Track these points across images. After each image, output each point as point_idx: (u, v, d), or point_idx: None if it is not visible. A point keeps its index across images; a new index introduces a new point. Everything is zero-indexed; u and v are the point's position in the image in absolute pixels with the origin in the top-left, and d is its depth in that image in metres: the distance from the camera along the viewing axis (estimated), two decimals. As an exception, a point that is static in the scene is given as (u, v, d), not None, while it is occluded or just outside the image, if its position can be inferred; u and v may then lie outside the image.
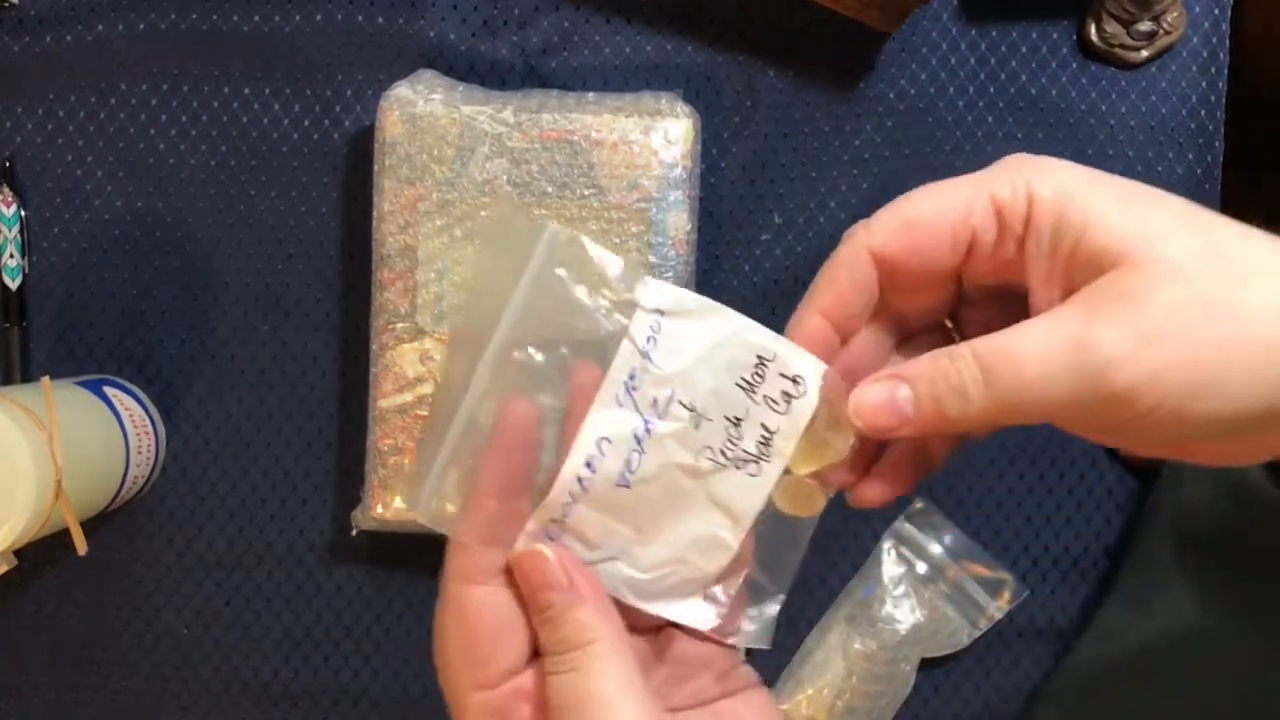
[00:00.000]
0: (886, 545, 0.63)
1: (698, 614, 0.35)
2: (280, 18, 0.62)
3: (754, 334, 0.33)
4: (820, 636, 0.62)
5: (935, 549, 0.62)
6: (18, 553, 0.54)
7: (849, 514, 0.63)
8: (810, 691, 0.62)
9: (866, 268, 0.33)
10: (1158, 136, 0.62)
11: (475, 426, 0.33)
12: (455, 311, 0.56)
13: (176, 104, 0.63)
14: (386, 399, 0.58)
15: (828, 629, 0.62)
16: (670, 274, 0.58)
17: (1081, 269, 0.31)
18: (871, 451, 0.36)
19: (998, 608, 0.62)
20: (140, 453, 0.60)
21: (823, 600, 0.63)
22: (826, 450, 0.34)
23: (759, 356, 0.33)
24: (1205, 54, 0.61)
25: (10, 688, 0.64)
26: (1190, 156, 0.62)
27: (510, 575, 0.34)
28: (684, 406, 0.33)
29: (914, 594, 0.62)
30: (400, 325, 0.58)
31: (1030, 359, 0.30)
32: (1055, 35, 0.62)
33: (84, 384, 0.59)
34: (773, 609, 0.36)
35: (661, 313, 0.33)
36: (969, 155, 0.62)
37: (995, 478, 0.63)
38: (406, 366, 0.58)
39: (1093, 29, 0.61)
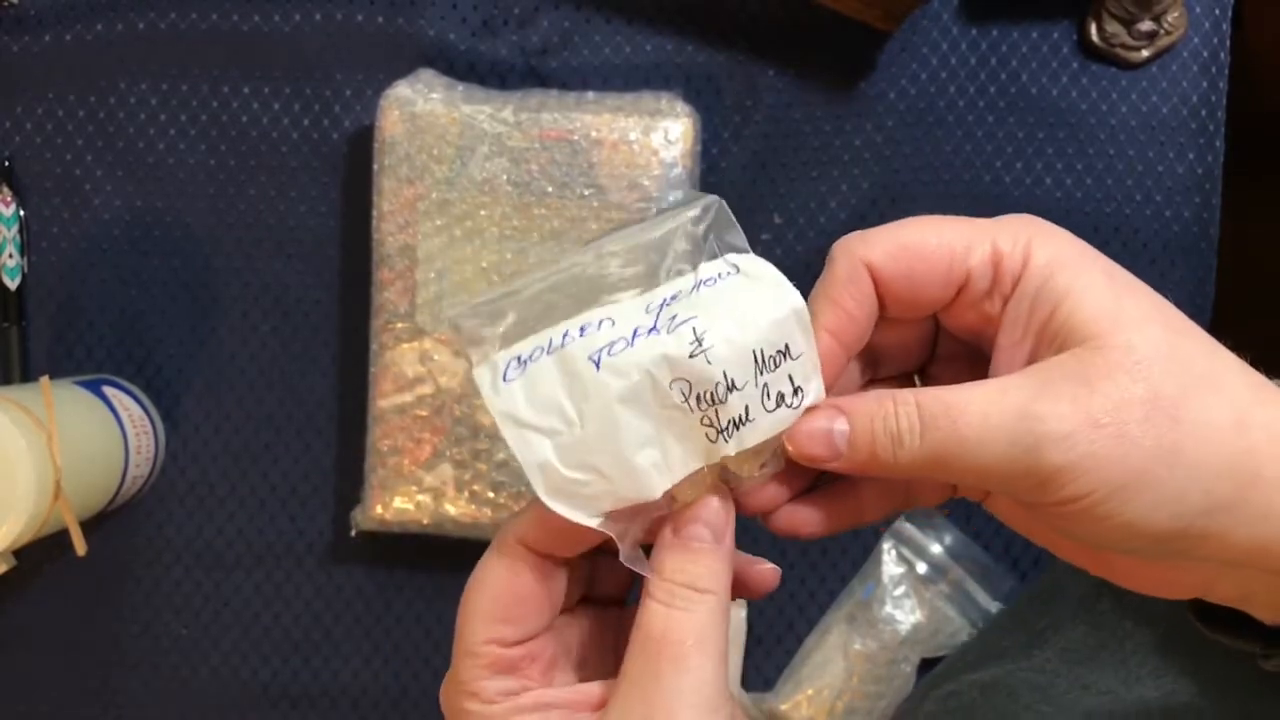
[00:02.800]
0: (886, 545, 0.63)
1: (591, 524, 0.34)
2: (280, 18, 0.62)
3: (799, 330, 0.33)
4: (820, 637, 0.62)
5: (935, 549, 0.62)
6: (17, 553, 0.54)
7: (849, 514, 0.63)
8: (810, 692, 0.62)
9: (867, 284, 0.33)
10: (1158, 136, 0.61)
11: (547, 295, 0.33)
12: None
13: (176, 104, 0.63)
14: (386, 399, 0.58)
15: (828, 629, 0.62)
16: (670, 274, 0.58)
17: (1051, 340, 0.31)
18: (805, 480, 0.36)
19: (998, 608, 0.62)
20: (139, 453, 0.60)
21: (823, 600, 0.63)
22: (741, 467, 0.34)
23: (787, 346, 0.33)
24: (1206, 54, 0.61)
25: (10, 688, 0.64)
26: (1190, 156, 0.62)
27: (556, 561, 0.34)
28: (694, 333, 0.32)
29: (914, 594, 0.62)
30: (400, 325, 0.58)
31: (971, 418, 0.30)
32: (1055, 35, 0.62)
33: (83, 384, 0.59)
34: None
35: (737, 269, 0.33)
36: (969, 155, 0.62)
37: (995, 478, 0.63)
38: (406, 366, 0.58)
39: (1093, 29, 0.60)
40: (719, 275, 0.33)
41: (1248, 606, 0.33)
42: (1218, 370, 0.30)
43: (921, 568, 0.62)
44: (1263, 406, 0.30)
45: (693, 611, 0.31)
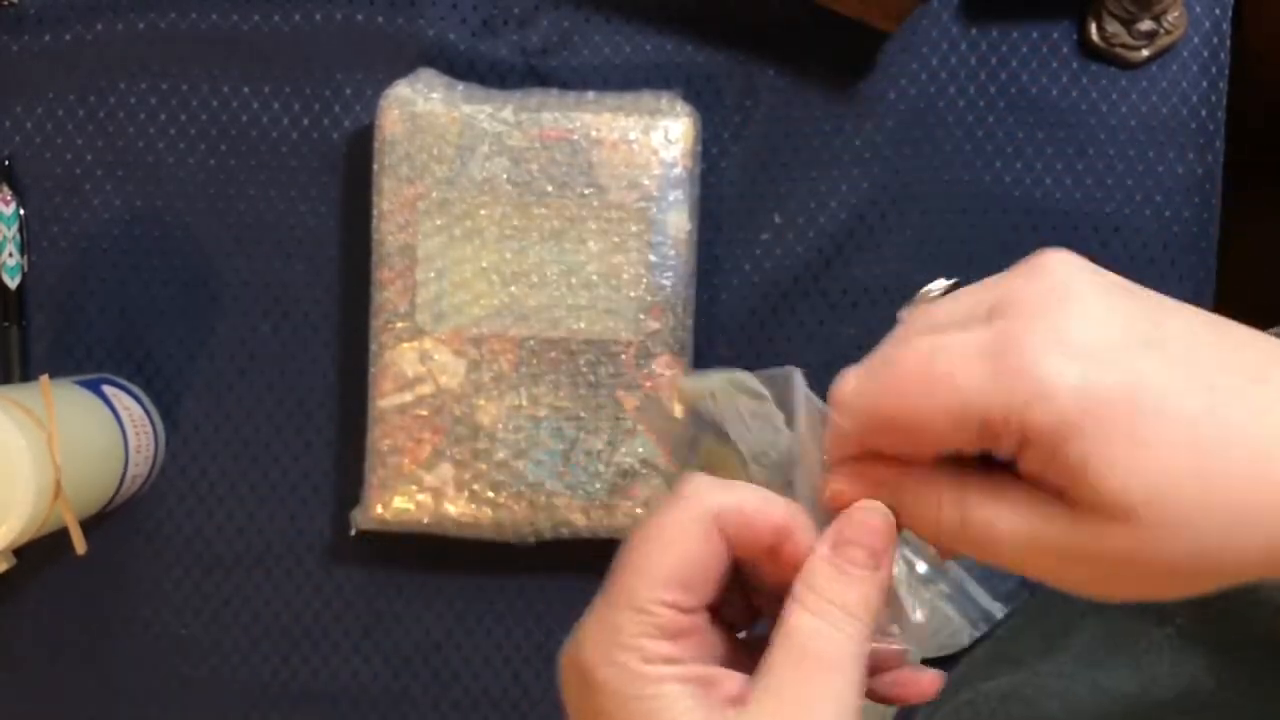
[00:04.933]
0: (886, 545, 0.62)
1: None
2: (280, 17, 0.62)
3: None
4: (820, 637, 0.62)
5: (935, 549, 0.62)
6: (17, 553, 0.54)
7: (849, 514, 0.63)
8: (810, 692, 0.62)
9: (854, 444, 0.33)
10: (1158, 136, 0.61)
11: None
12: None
13: (176, 104, 0.63)
14: (385, 399, 0.58)
15: (828, 629, 0.62)
16: (670, 273, 0.58)
17: (1078, 497, 0.30)
18: None
19: (998, 608, 0.62)
20: (139, 452, 0.60)
21: (823, 600, 0.63)
22: None
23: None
24: (1206, 54, 0.61)
25: (10, 688, 0.64)
26: (1190, 156, 0.62)
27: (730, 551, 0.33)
28: None
29: (914, 594, 0.62)
30: (399, 325, 0.58)
31: (1006, 554, 0.31)
32: (1055, 35, 0.62)
33: (83, 383, 0.59)
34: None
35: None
36: (969, 155, 0.62)
37: (995, 478, 0.63)
38: (405, 366, 0.58)
39: (1093, 28, 0.60)
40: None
41: None
42: (1259, 492, 0.29)
43: (921, 568, 0.62)
44: None
45: (841, 632, 0.31)
